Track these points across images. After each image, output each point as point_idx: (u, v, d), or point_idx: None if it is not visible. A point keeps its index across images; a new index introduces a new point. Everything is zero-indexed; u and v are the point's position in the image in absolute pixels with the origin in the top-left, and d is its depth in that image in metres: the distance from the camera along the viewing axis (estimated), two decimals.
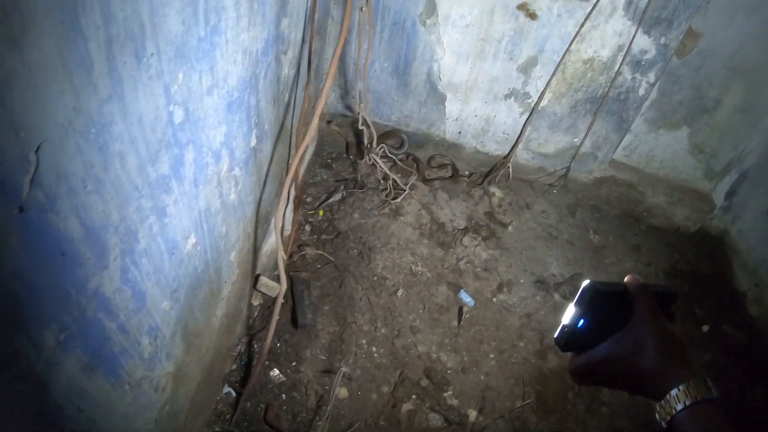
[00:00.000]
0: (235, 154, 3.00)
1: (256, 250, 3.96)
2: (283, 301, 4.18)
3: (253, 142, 3.26)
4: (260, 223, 3.90)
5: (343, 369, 3.71)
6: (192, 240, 2.70)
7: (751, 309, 4.96)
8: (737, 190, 5.31)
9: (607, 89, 4.75)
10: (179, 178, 2.33)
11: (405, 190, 5.04)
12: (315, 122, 3.14)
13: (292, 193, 4.37)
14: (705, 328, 4.85)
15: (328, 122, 5.11)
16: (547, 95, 4.88)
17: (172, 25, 1.92)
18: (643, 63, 4.56)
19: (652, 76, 4.63)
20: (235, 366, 4.04)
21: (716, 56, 4.66)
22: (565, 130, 5.13)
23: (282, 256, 3.37)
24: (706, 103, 4.93)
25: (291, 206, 4.56)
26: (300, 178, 4.60)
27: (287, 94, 3.82)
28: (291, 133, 4.14)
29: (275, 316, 3.48)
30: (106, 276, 1.94)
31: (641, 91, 4.73)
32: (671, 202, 5.44)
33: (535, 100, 4.94)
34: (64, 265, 1.67)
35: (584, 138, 5.12)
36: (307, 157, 5.14)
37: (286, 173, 3.16)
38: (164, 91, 2.01)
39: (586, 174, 5.43)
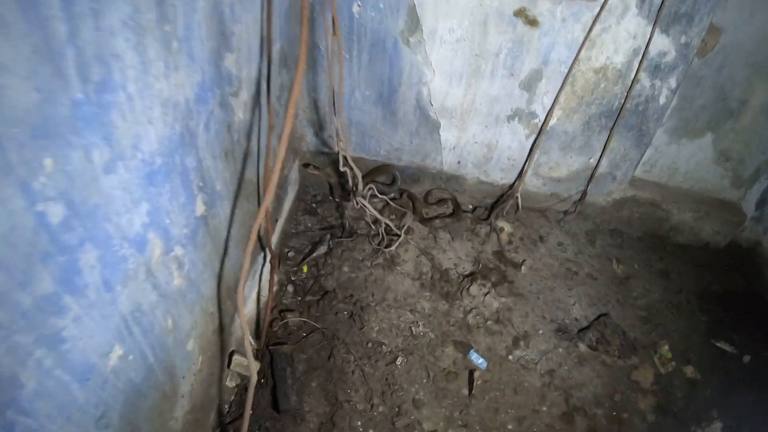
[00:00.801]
0: (172, 232, 2.57)
1: (224, 327, 3.48)
2: (262, 382, 3.68)
3: (200, 210, 2.82)
4: (228, 296, 3.46)
5: None
6: (117, 352, 2.27)
7: None
8: None
9: (623, 100, 4.27)
10: (76, 291, 1.92)
11: (400, 235, 4.48)
12: (276, 173, 2.58)
13: (260, 252, 3.83)
14: (746, 358, 4.39)
15: (306, 165, 4.56)
16: (556, 113, 4.38)
17: (17, 96, 1.48)
18: (662, 67, 4.08)
19: (673, 81, 4.15)
20: None
21: (739, 53, 4.25)
22: (578, 150, 4.64)
23: (249, 341, 2.81)
24: (730, 105, 4.54)
25: (267, 267, 4.01)
26: (277, 231, 4.05)
27: (245, 143, 3.37)
28: (258, 185, 3.62)
29: (248, 410, 2.91)
30: None
31: (662, 99, 4.25)
32: (698, 216, 5.04)
33: (543, 119, 4.44)
34: None
35: (600, 157, 4.64)
36: (288, 205, 4.64)
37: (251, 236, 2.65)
38: (21, 191, 1.59)
39: (604, 196, 4.97)
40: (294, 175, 4.75)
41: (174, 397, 2.87)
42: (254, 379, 2.85)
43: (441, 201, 4.95)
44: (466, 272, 4.49)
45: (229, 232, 3.28)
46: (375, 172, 4.78)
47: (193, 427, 3.21)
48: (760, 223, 5.07)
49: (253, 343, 2.81)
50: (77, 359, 1.96)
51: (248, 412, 2.91)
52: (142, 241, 2.27)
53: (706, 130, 4.70)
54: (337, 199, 4.87)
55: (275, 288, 4.15)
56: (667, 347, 4.27)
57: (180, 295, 2.74)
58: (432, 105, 4.44)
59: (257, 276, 3.99)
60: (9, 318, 1.60)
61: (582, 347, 4.15)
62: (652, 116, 4.35)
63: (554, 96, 4.27)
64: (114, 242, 2.08)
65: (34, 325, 1.72)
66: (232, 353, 3.66)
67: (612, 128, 4.41)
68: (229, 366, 3.67)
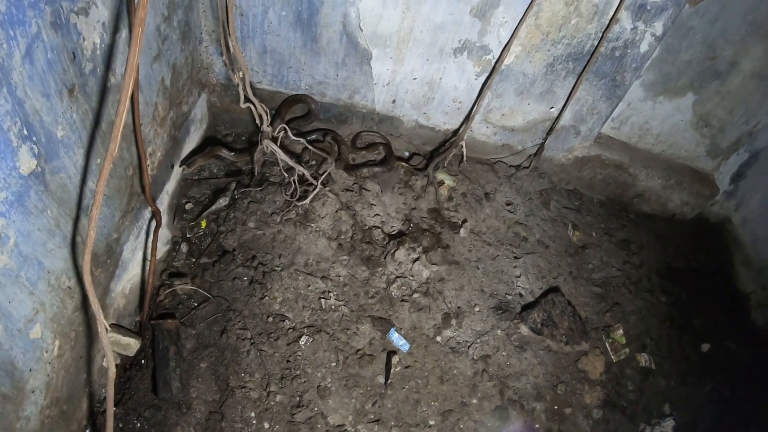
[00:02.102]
0: None
1: (87, 302, 3.07)
2: (142, 362, 3.35)
3: (28, 166, 2.38)
4: (96, 263, 3.11)
5: None
6: None
7: (755, 315, 4.53)
8: (745, 173, 4.82)
9: (597, 42, 3.88)
10: None
11: (316, 186, 4.04)
12: (122, 109, 2.17)
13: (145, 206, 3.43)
14: (705, 347, 4.23)
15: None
16: (514, 49, 3.97)
17: None
18: (648, 7, 3.71)
19: (659, 27, 3.80)
20: None
21: (737, 6, 3.95)
22: (538, 96, 4.27)
23: (104, 325, 2.45)
24: (718, 65, 4.26)
25: (153, 224, 3.62)
26: (173, 179, 3.67)
27: (105, 74, 2.88)
28: (134, 125, 3.17)
29: (110, 409, 2.59)
30: None
31: (644, 47, 3.91)
32: (667, 185, 4.82)
33: (497, 55, 4.02)
34: None
35: (564, 107, 4.29)
36: (190, 147, 4.17)
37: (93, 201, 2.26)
38: None
39: (564, 153, 4.65)
40: (199, 111, 4.28)
41: (19, 396, 2.56)
42: (112, 373, 2.58)
43: (371, 146, 4.52)
44: (394, 232, 4.11)
45: (85, 187, 2.86)
46: (287, 103, 4.32)
47: (57, 422, 2.94)
48: (733, 198, 4.92)
49: (107, 327, 2.44)
50: None
51: (111, 410, 2.60)
52: None
53: (688, 89, 4.42)
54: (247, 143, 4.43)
55: (167, 247, 3.76)
56: (621, 332, 4.03)
57: (7, 277, 2.36)
58: (362, 30, 4.00)
59: (143, 234, 3.60)
60: None
61: (524, 330, 3.86)
62: (629, 65, 4.00)
63: (513, 28, 3.84)
64: None
65: None
66: (107, 329, 3.29)
67: (581, 74, 4.04)
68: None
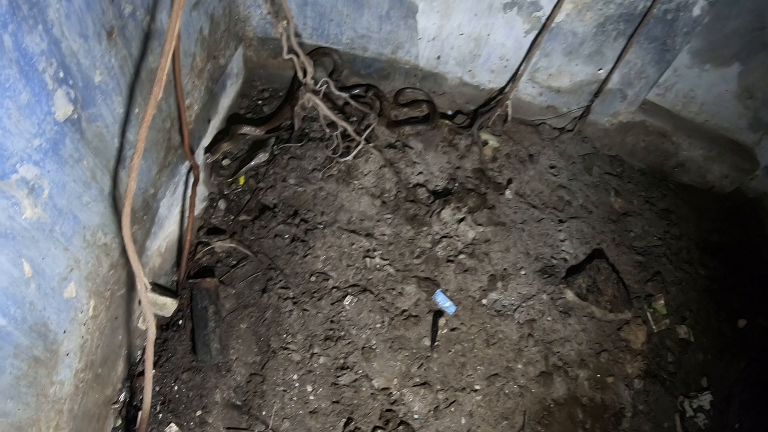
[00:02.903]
0: (9, 147, 1.92)
1: (124, 259, 2.87)
2: (179, 323, 3.11)
3: (64, 111, 2.15)
4: (133, 219, 2.89)
5: None
6: None
7: None
8: None
9: (650, 4, 3.55)
10: None
11: (359, 142, 3.76)
12: (166, 61, 1.91)
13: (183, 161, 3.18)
14: (741, 323, 3.90)
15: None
16: (566, 6, 3.64)
17: None
18: None
19: None
20: (120, 421, 3.06)
21: None
22: (586, 57, 3.95)
23: (143, 283, 2.19)
24: (766, 36, 3.85)
25: (190, 179, 3.36)
26: (209, 133, 3.40)
27: (146, 19, 2.65)
28: (174, 74, 2.97)
29: (149, 370, 2.37)
30: None
31: (696, 11, 3.58)
32: (708, 156, 4.46)
33: (548, 13, 3.70)
34: None
35: (612, 69, 3.97)
36: (226, 101, 3.96)
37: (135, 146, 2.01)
38: None
39: (609, 118, 4.32)
40: (236, 65, 4.01)
41: (53, 359, 2.37)
42: (152, 334, 2.34)
43: (414, 103, 4.22)
44: (439, 191, 3.83)
45: (124, 137, 2.61)
46: (311, 56, 3.97)
47: (91, 385, 2.76)
48: None
49: (148, 285, 2.19)
50: None
51: (150, 372, 2.37)
52: None
53: (735, 59, 4.05)
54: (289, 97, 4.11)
55: (204, 204, 3.50)
56: (662, 302, 3.77)
57: (41, 231, 2.13)
58: None
59: (180, 189, 3.34)
60: None
61: (569, 295, 3.59)
62: (680, 29, 3.69)
63: None
64: None
65: None
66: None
67: (632, 36, 3.74)
68: (140, 303, 3.06)
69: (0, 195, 1.85)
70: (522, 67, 3.98)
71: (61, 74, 2.04)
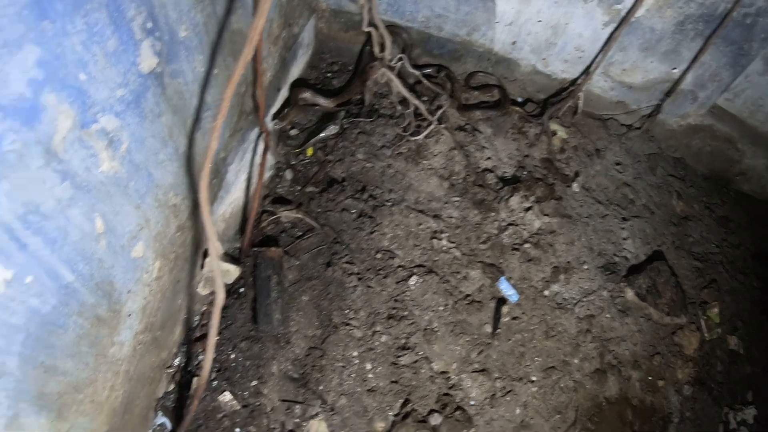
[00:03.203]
0: (94, 94, 1.73)
1: (198, 220, 2.73)
2: (241, 291, 2.91)
3: (149, 64, 1.97)
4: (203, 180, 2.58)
5: (320, 418, 2.36)
6: (2, 275, 1.50)
7: None
8: None
9: (731, 6, 3.27)
10: None
11: (431, 121, 3.51)
12: (261, 21, 1.70)
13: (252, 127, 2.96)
14: None
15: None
16: (647, 2, 3.38)
17: None
18: None
19: None
20: (173, 385, 2.91)
21: None
22: (662, 54, 3.68)
23: (216, 247, 1.98)
24: None
25: (260, 147, 3.14)
26: (278, 102, 3.15)
27: None
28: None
29: (212, 336, 2.15)
30: None
31: None
32: None
33: (629, 6, 3.43)
34: None
35: (687, 70, 3.68)
36: (296, 71, 3.76)
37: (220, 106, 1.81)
38: None
39: (677, 119, 4.04)
40: (307, 36, 3.79)
41: (116, 319, 2.20)
42: (221, 298, 2.08)
43: (485, 87, 3.96)
44: (507, 177, 3.59)
45: (202, 98, 2.41)
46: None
47: (149, 348, 2.60)
48: None
49: (220, 250, 1.98)
50: None
51: (213, 338, 2.17)
52: (31, 108, 1.45)
53: None
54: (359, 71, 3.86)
55: (270, 173, 3.29)
56: (717, 310, 3.54)
57: (116, 185, 1.94)
58: None
59: (248, 156, 3.14)
60: None
61: (629, 294, 3.37)
62: (758, 34, 3.41)
63: None
64: None
65: None
66: (206, 252, 2.86)
67: (709, 37, 3.46)
68: (203, 268, 2.87)
69: (79, 145, 1.65)
70: (597, 60, 3.72)
71: (149, 25, 1.85)
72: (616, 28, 3.53)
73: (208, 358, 2.25)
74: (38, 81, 1.41)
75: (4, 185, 1.38)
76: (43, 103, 1.46)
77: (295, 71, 3.72)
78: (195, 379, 2.86)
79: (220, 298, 2.09)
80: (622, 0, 3.39)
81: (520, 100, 4.06)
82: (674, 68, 3.72)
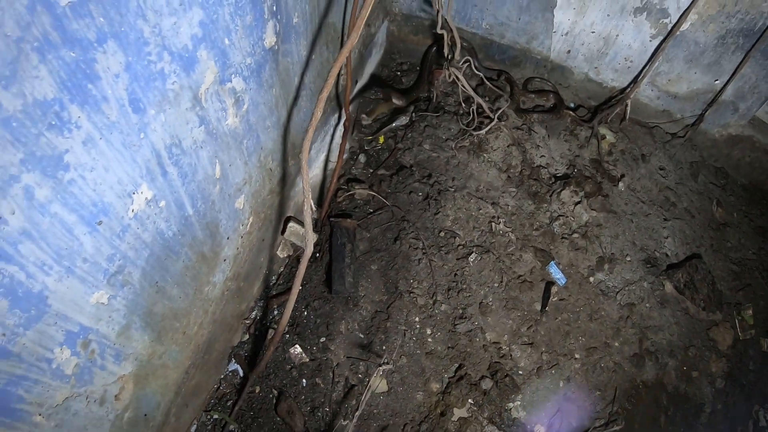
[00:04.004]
0: (231, 57, 1.94)
1: (283, 188, 2.94)
2: (317, 255, 3.11)
3: (270, 40, 2.20)
4: (292, 153, 2.87)
5: (384, 366, 2.54)
6: (144, 195, 1.71)
7: None
8: None
9: None
10: (89, 102, 1.34)
11: (492, 119, 3.68)
12: (366, 11, 1.90)
13: (334, 112, 3.18)
14: None
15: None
16: (691, 16, 3.47)
17: None
18: None
19: None
20: (247, 336, 3.09)
21: None
22: (705, 67, 3.75)
23: (310, 206, 2.18)
24: None
25: (340, 129, 3.35)
26: (354, 93, 3.34)
27: None
28: (342, 34, 2.94)
29: (296, 286, 2.35)
30: None
31: None
32: None
33: (674, 20, 3.53)
34: None
35: (728, 81, 3.74)
36: (370, 68, 3.96)
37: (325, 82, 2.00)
38: None
39: (719, 129, 4.09)
40: (381, 36, 4.00)
41: (214, 260, 2.39)
42: (309, 251, 2.26)
43: (541, 92, 4.10)
44: (559, 174, 3.72)
45: (302, 78, 2.63)
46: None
47: (233, 296, 2.78)
48: None
49: (314, 208, 2.18)
50: (86, 195, 1.41)
51: (297, 288, 2.35)
52: (190, 58, 1.66)
53: None
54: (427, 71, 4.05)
55: (345, 155, 3.49)
56: (751, 312, 3.57)
57: (234, 139, 2.15)
58: None
59: (327, 138, 3.36)
60: None
61: (668, 287, 3.45)
62: None
63: None
64: (149, 50, 1.46)
65: (21, 137, 1.16)
66: (288, 220, 3.08)
67: (749, 51, 3.52)
68: (283, 233, 3.08)
69: (216, 98, 1.87)
70: (645, 70, 3.82)
71: (275, 8, 2.07)
72: (663, 41, 3.62)
73: (289, 306, 2.41)
74: (198, 37, 1.63)
75: (161, 117, 1.60)
76: (198, 56, 1.68)
77: (369, 68, 3.90)
78: (270, 331, 3.06)
79: (309, 250, 2.26)
80: (669, 15, 3.49)
81: (572, 105, 4.15)
82: (716, 80, 3.78)
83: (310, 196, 2.16)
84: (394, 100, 3.76)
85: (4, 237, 1.19)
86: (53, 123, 1.20)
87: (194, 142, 1.83)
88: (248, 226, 2.60)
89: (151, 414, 2.27)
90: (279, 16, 2.14)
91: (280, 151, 2.64)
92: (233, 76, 1.93)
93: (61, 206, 1.32)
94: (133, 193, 1.58)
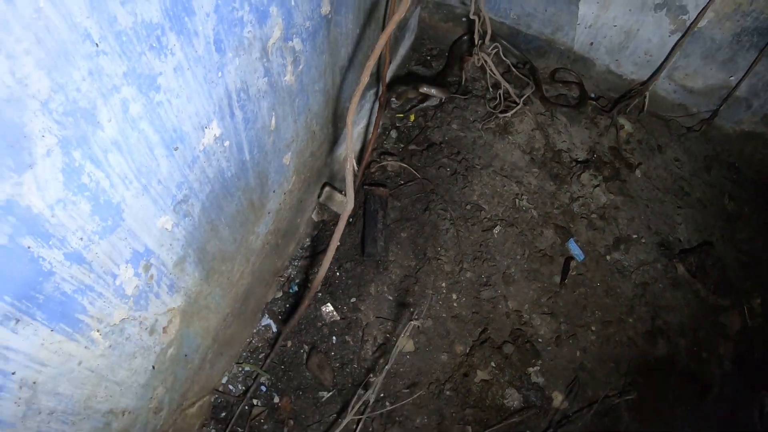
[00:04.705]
0: (295, 18, 2.03)
1: (323, 154, 2.97)
2: (350, 221, 3.19)
3: (325, 8, 2.27)
4: (334, 120, 2.94)
5: (415, 321, 2.63)
6: (214, 131, 1.78)
7: None
8: None
9: None
10: (184, 33, 1.44)
11: (518, 104, 3.76)
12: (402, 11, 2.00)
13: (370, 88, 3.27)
14: None
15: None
16: (708, 14, 3.53)
17: None
18: None
19: None
20: (280, 293, 3.16)
21: None
22: (720, 63, 3.80)
23: (353, 165, 2.26)
24: None
25: (375, 105, 3.44)
26: (389, 71, 3.44)
27: None
28: (385, 13, 3.01)
29: (335, 242, 2.42)
30: (29, 181, 1.17)
31: None
32: None
33: (693, 18, 3.58)
34: None
35: (742, 78, 3.79)
36: (403, 51, 4.04)
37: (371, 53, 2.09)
38: None
39: (733, 124, 4.13)
40: (413, 22, 4.08)
41: (261, 211, 2.47)
42: (350, 206, 2.32)
43: (565, 83, 4.17)
44: (580, 159, 3.79)
45: (351, 49, 2.73)
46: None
47: (272, 251, 2.86)
48: None
49: (356, 167, 2.26)
50: (169, 119, 1.48)
51: (335, 243, 2.42)
52: (263, 12, 1.75)
53: None
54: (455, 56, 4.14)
55: (377, 131, 3.58)
56: (759, 301, 3.61)
57: (288, 95, 2.24)
58: None
59: (364, 111, 3.45)
60: (93, 25, 1.11)
61: (680, 269, 3.51)
62: None
63: None
64: None
65: (124, 51, 1.24)
66: (324, 185, 3.16)
67: (763, 49, 3.57)
68: (319, 198, 3.17)
69: (279, 53, 1.96)
70: (663, 64, 3.88)
71: None
72: (682, 37, 3.68)
73: (326, 262, 2.43)
74: None
75: (236, 61, 1.68)
76: (270, 11, 1.76)
77: (402, 50, 3.97)
78: (308, 285, 3.15)
79: (350, 205, 2.31)
80: (687, 11, 3.54)
81: (593, 95, 4.22)
82: (731, 76, 3.82)
83: (353, 156, 2.25)
84: (434, 93, 3.86)
85: (98, 142, 1.26)
86: (154, 45, 1.29)
87: (258, 91, 1.91)
88: (291, 184, 2.67)
89: (191, 356, 2.34)
90: None
91: (323, 116, 2.71)
92: (294, 36, 2.01)
93: (148, 124, 1.39)
94: (205, 128, 1.67)
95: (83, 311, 1.51)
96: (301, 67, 2.20)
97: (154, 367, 2.04)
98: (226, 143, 1.84)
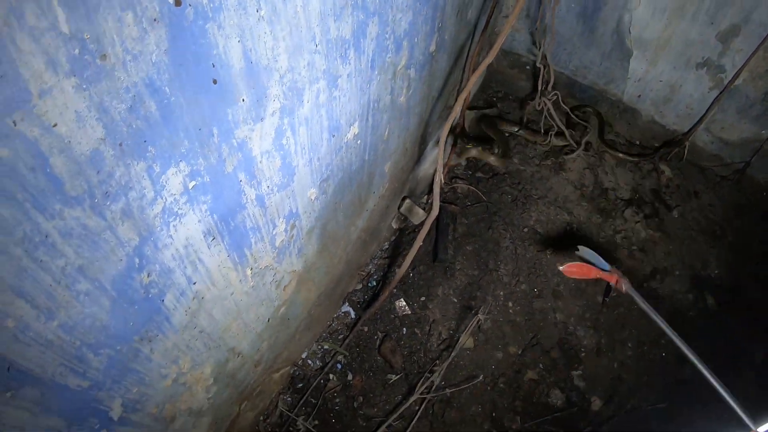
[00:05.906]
0: (414, 53, 2.40)
1: (409, 169, 3.34)
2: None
3: (432, 48, 2.63)
4: (420, 142, 3.29)
5: (481, 315, 2.95)
6: (355, 130, 2.15)
7: None
8: None
9: None
10: (358, 50, 1.81)
11: (577, 147, 4.13)
12: (498, 45, 2.39)
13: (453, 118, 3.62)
14: None
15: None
16: (744, 74, 3.78)
17: None
18: None
19: None
20: (360, 286, 3.47)
21: None
22: (753, 118, 4.03)
23: (440, 178, 2.61)
24: None
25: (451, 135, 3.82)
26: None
27: (470, 12, 3.08)
28: (467, 57, 3.38)
29: (418, 242, 2.74)
30: (258, 130, 1.50)
31: None
32: None
33: (730, 76, 3.85)
34: (212, 95, 1.23)
35: None
36: (474, 88, 4.35)
37: (458, 91, 2.44)
38: None
39: (764, 175, 4.33)
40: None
41: (363, 206, 2.77)
42: (435, 212, 2.55)
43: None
44: (624, 197, 4.09)
45: (441, 83, 3.08)
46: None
47: (361, 246, 3.13)
48: None
49: (443, 179, 2.61)
50: (335, 111, 1.84)
51: (419, 243, 2.68)
52: (399, 43, 2.11)
53: None
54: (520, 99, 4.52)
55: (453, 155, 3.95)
56: None
57: (399, 113, 2.59)
58: (630, 33, 3.93)
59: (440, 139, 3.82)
60: (319, 37, 1.53)
61: (710, 301, 3.74)
62: None
63: (747, 56, 3.67)
64: (387, 30, 1.93)
65: (329, 55, 1.64)
66: (404, 198, 3.52)
67: None
68: (399, 208, 3.53)
69: (401, 78, 2.31)
70: (703, 117, 4.13)
71: (440, 24, 2.49)
72: (720, 93, 3.91)
73: (408, 258, 2.68)
74: (406, 31, 2.06)
75: (378, 77, 2.01)
76: (402, 44, 2.14)
77: (473, 89, 4.38)
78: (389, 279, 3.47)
79: (435, 211, 2.53)
80: (725, 70, 3.80)
81: (637, 142, 4.51)
82: (763, 131, 4.02)
83: (441, 172, 2.58)
84: (512, 130, 4.21)
85: (298, 115, 1.60)
86: (342, 54, 1.67)
87: (384, 105, 2.28)
88: (384, 190, 2.98)
89: (292, 321, 2.58)
90: (441, 32, 2.58)
91: (415, 136, 3.05)
92: (411, 66, 2.38)
93: (325, 112, 1.74)
94: (351, 125, 2.03)
95: (249, 247, 1.75)
96: (411, 91, 2.57)
97: (269, 320, 2.29)
98: (359, 141, 2.20)
